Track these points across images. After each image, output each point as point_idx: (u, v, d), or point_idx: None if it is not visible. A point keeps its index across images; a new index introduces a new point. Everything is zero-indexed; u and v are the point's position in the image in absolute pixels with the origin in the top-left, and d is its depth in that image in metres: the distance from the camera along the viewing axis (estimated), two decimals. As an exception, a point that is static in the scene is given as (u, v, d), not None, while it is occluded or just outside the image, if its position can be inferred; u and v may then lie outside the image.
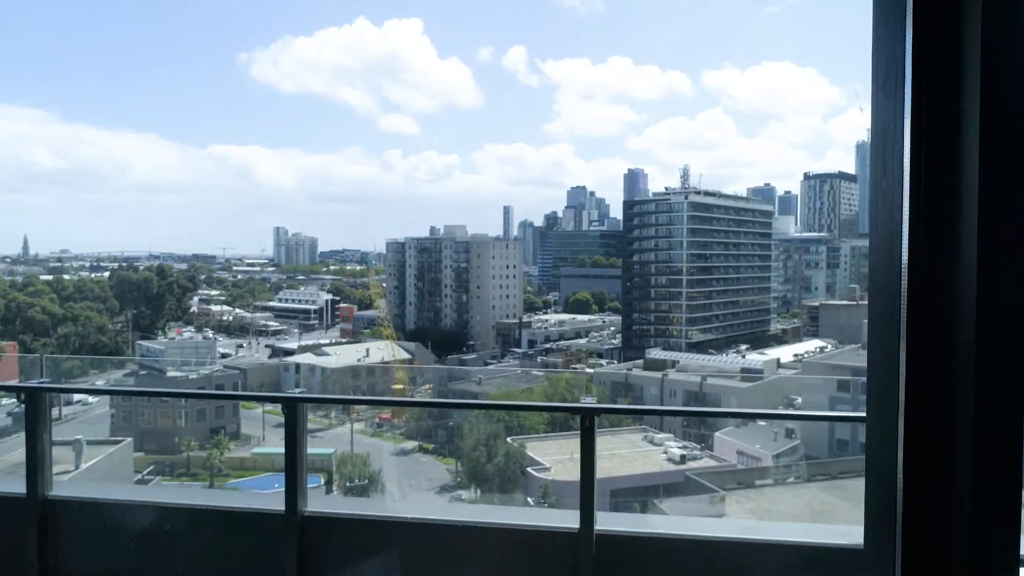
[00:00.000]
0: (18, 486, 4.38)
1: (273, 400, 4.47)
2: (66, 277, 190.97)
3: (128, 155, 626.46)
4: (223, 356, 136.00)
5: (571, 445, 71.91)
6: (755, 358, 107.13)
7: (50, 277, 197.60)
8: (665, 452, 69.45)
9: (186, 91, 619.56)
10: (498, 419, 79.90)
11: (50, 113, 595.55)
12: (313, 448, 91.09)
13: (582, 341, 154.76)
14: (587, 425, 4.31)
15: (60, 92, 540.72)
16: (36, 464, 4.24)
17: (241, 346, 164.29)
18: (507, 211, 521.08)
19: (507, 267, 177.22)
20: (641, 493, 51.61)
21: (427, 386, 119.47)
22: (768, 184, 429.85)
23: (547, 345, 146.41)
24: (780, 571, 5.26)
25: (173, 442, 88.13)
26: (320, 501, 4.69)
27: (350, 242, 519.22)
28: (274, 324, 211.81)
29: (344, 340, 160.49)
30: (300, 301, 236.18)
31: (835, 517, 35.35)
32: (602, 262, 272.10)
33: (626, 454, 70.13)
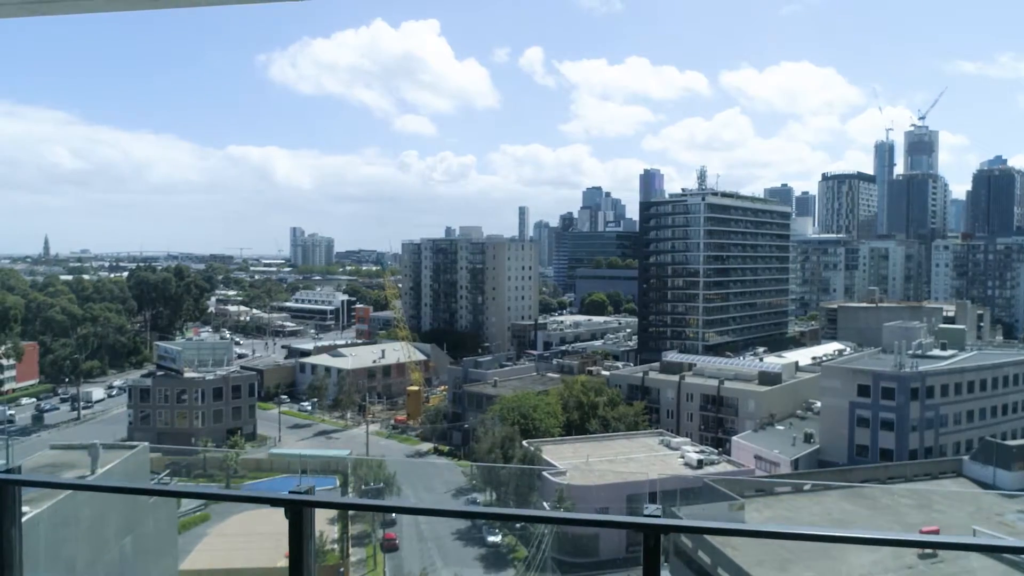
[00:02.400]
0: None
1: (274, 503, 3.63)
2: (86, 277, 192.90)
3: (147, 156, 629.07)
4: (240, 356, 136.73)
5: (586, 449, 71.44)
6: (773, 361, 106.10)
7: (70, 277, 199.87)
8: (682, 457, 68.96)
9: (205, 92, 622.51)
10: (513, 422, 79.65)
11: (71, 114, 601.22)
12: (329, 450, 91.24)
13: (597, 343, 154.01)
14: (651, 545, 3.36)
15: (81, 94, 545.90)
16: (3, 564, 3.70)
17: (239, 343, 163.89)
18: (523, 211, 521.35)
19: (523, 268, 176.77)
20: (658, 498, 51.09)
21: (442, 387, 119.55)
22: (785, 185, 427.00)
23: (563, 347, 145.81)
24: None
25: (190, 442, 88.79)
26: None
27: (366, 243, 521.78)
28: (290, 325, 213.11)
29: (360, 341, 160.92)
30: (316, 302, 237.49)
31: (858, 527, 34.72)
32: (618, 263, 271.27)
33: (643, 458, 69.73)
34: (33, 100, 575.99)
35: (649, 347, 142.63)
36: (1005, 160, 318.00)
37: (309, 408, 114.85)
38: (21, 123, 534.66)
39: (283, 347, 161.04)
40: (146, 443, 29.59)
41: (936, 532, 32.10)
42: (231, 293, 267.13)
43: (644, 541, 3.31)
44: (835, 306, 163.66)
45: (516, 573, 56.13)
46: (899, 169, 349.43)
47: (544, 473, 63.59)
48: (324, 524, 50.45)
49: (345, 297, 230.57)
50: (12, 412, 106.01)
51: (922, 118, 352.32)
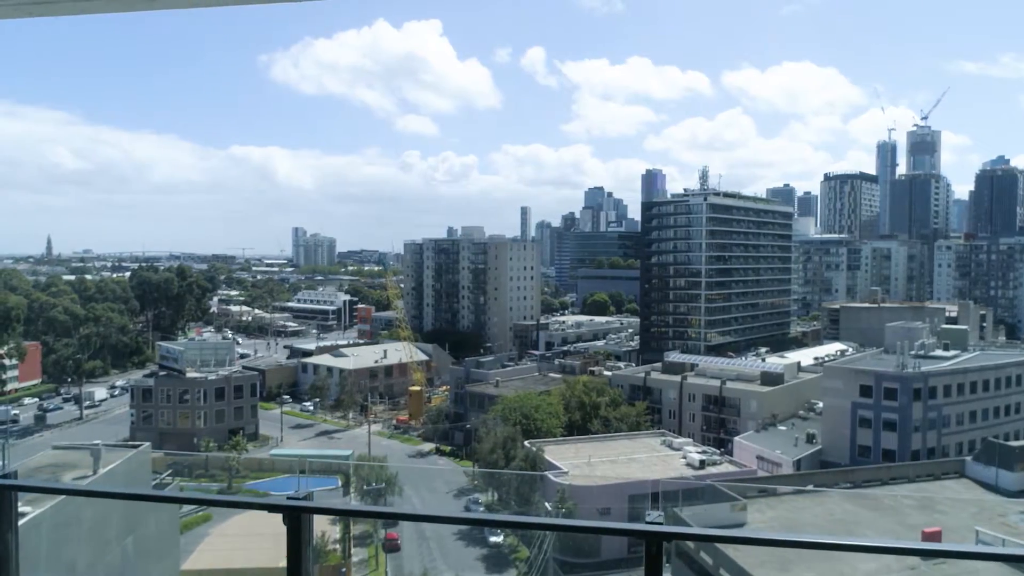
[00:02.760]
0: None
1: (272, 510, 3.51)
2: (88, 277, 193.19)
3: (149, 156, 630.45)
4: (242, 356, 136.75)
5: (588, 449, 71.34)
6: (775, 361, 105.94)
7: (72, 277, 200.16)
8: (684, 457, 68.87)
9: (206, 93, 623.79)
10: (515, 422, 79.64)
11: (72, 115, 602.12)
12: (331, 450, 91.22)
13: (599, 343, 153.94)
14: (653, 552, 3.19)
15: (82, 94, 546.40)
16: (0, 569, 3.63)
17: (240, 343, 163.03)
18: (524, 211, 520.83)
19: (525, 268, 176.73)
20: (659, 499, 50.99)
21: (444, 387, 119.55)
22: (787, 185, 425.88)
23: (564, 347, 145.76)
24: None
25: (192, 442, 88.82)
26: None
27: (368, 243, 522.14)
28: (292, 325, 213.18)
29: (362, 341, 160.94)
30: (318, 302, 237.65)
31: (861, 528, 34.71)
32: (620, 263, 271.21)
33: (645, 459, 69.66)
34: (34, 100, 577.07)
35: (651, 347, 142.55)
36: (1008, 160, 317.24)
37: (311, 408, 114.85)
38: (22, 123, 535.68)
39: (285, 347, 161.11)
40: (148, 444, 29.61)
41: (938, 533, 32.06)
42: (233, 293, 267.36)
43: (646, 548, 3.20)
44: (837, 306, 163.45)
45: (518, 574, 56.11)
46: (901, 169, 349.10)
47: (546, 473, 63.53)
48: (326, 524, 50.47)
49: (347, 297, 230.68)
50: (16, 412, 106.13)
51: (924, 118, 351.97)
